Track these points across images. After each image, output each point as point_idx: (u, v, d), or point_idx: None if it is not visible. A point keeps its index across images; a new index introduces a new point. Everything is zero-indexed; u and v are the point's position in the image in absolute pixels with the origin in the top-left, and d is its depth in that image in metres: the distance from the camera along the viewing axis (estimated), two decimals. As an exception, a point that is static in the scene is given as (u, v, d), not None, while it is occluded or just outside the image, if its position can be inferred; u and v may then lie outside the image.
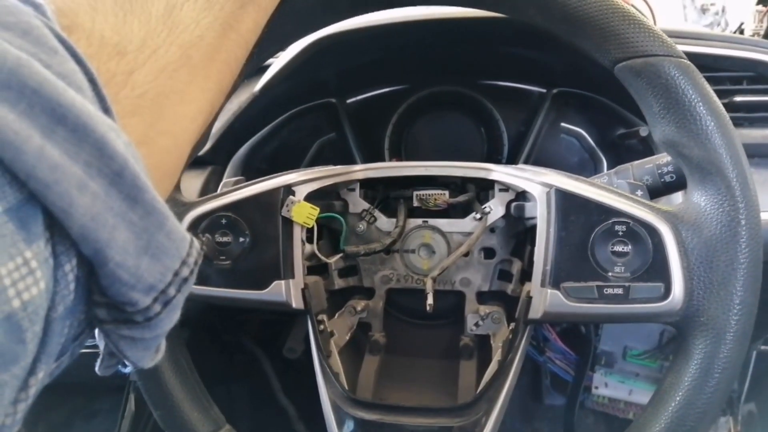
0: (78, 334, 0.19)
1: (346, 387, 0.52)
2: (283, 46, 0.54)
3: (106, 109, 0.19)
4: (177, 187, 0.54)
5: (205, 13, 0.29)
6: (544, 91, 0.79)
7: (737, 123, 0.67)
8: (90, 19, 0.22)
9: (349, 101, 0.84)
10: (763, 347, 0.80)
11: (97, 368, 0.22)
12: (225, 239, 0.51)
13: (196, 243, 0.21)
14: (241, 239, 0.50)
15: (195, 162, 0.73)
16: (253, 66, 0.46)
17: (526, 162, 0.77)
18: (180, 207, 0.52)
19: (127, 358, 0.21)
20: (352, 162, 0.80)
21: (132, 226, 0.18)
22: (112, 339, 0.20)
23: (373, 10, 0.49)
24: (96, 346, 0.22)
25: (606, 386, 0.87)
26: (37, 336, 0.16)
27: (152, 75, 0.24)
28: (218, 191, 0.54)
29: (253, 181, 0.53)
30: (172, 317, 0.21)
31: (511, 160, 0.79)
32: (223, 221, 0.51)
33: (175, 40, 0.26)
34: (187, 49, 0.27)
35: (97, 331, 0.20)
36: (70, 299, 0.17)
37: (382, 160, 0.82)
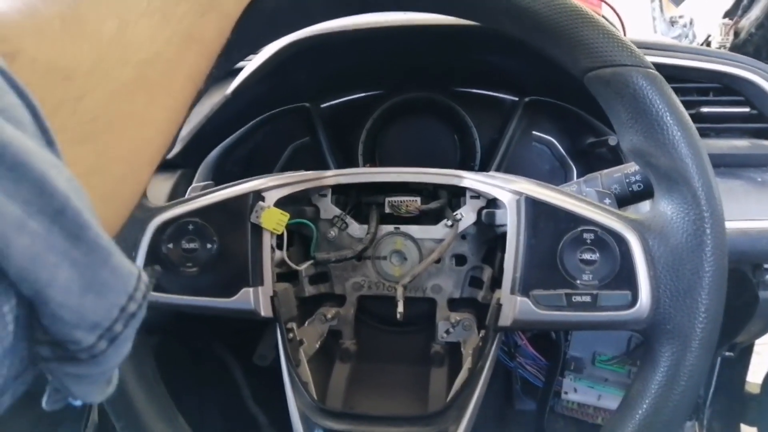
0: (19, 372, 0.18)
1: (315, 396, 0.51)
2: (254, 49, 0.54)
3: (49, 142, 0.18)
4: (143, 192, 0.53)
5: (161, 27, 0.28)
6: (516, 99, 0.80)
7: (704, 133, 0.68)
8: (35, 44, 0.21)
9: (323, 106, 0.84)
10: (727, 353, 0.81)
11: (44, 403, 0.21)
12: (192, 245, 0.49)
13: (145, 276, 0.21)
14: (209, 246, 0.49)
15: (164, 165, 0.72)
16: (224, 69, 0.45)
17: (498, 169, 0.77)
18: (146, 212, 0.50)
19: (72, 394, 0.20)
20: (326, 167, 0.80)
21: (75, 264, 0.17)
22: (56, 376, 0.19)
23: (346, 15, 0.49)
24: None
25: (575, 391, 0.88)
26: None
27: (104, 99, 0.23)
28: (186, 196, 0.53)
29: (222, 186, 0.52)
30: (120, 352, 0.20)
31: (484, 167, 0.80)
32: (190, 227, 0.49)
33: (129, 59, 0.25)
34: (143, 68, 0.26)
35: None
36: (9, 340, 0.17)
37: (356, 165, 0.82)
